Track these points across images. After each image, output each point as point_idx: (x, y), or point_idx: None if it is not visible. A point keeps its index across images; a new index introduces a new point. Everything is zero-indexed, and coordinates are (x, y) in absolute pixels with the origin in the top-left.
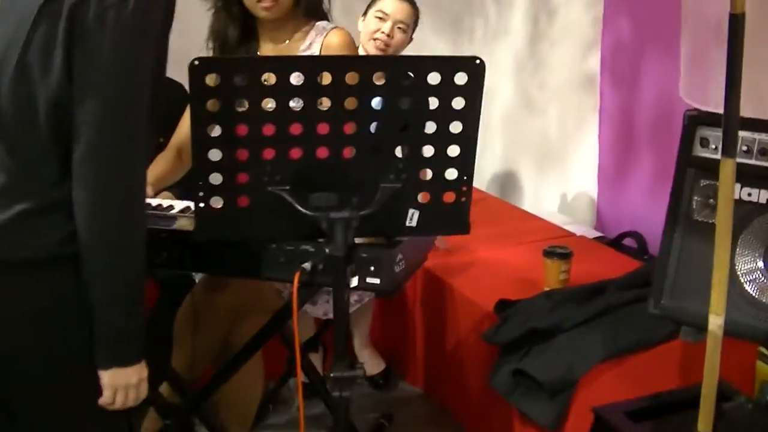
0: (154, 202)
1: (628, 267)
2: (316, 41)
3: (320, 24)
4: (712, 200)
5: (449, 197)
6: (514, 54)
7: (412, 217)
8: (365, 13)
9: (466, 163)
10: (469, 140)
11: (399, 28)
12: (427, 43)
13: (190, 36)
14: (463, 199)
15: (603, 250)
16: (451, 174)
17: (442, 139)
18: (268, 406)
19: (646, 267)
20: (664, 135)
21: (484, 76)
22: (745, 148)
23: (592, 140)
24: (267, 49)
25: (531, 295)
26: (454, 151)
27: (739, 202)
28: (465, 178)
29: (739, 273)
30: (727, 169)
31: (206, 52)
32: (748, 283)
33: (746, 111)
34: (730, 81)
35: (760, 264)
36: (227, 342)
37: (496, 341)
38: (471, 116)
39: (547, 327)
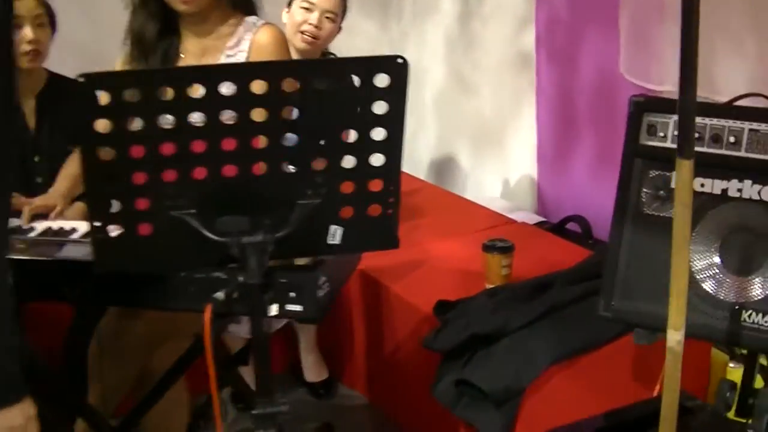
0: (55, 225)
1: (572, 254)
2: (245, 38)
3: (250, 19)
4: (662, 192)
5: (375, 210)
6: (444, 32)
7: (335, 234)
8: (289, 5)
9: (392, 172)
10: (394, 148)
11: (327, 17)
12: (354, 25)
13: (102, 33)
14: (390, 211)
15: (546, 238)
16: (376, 185)
17: (364, 148)
18: (199, 423)
19: (593, 258)
20: (605, 113)
21: (407, 76)
22: (696, 134)
23: (529, 121)
24: (190, 44)
25: (473, 292)
26: (377, 160)
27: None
28: (391, 188)
29: (694, 270)
30: (684, 172)
31: (121, 51)
32: (704, 280)
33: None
34: (685, 73)
35: (716, 259)
36: (145, 370)
37: (435, 348)
38: (395, 121)
39: (489, 331)
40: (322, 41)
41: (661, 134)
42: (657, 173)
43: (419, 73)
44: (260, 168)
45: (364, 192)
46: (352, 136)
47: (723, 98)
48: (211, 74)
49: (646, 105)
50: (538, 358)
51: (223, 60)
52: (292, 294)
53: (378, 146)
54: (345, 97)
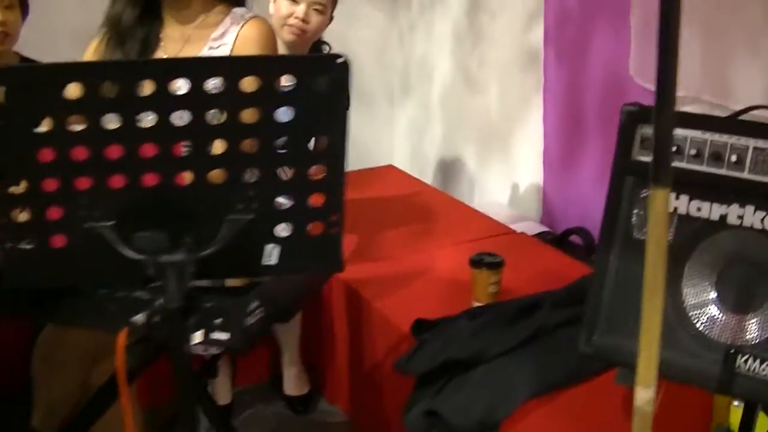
0: None
1: (571, 271)
2: (231, 30)
3: (238, 11)
4: None
5: (316, 229)
6: (452, 25)
7: (271, 254)
8: None
9: (334, 186)
10: (336, 159)
11: (315, 9)
12: (361, 13)
13: (96, 18)
14: (334, 230)
15: (544, 251)
16: (316, 200)
17: (301, 158)
18: None
19: (587, 279)
20: (615, 117)
21: (348, 79)
22: (694, 151)
23: (536, 123)
24: (172, 30)
25: (458, 310)
26: (318, 172)
27: (686, 219)
28: (334, 204)
29: (686, 305)
30: (659, 203)
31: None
32: (697, 317)
33: (704, 94)
34: (662, 86)
35: (713, 294)
36: (86, 385)
37: (407, 371)
38: (336, 129)
39: (465, 357)
40: (310, 34)
41: None
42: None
43: (427, 68)
44: (185, 177)
45: (303, 208)
46: (288, 145)
47: (740, 106)
48: (127, 71)
49: (640, 115)
50: (516, 390)
51: (205, 51)
52: (218, 320)
53: (317, 156)
54: (276, 99)
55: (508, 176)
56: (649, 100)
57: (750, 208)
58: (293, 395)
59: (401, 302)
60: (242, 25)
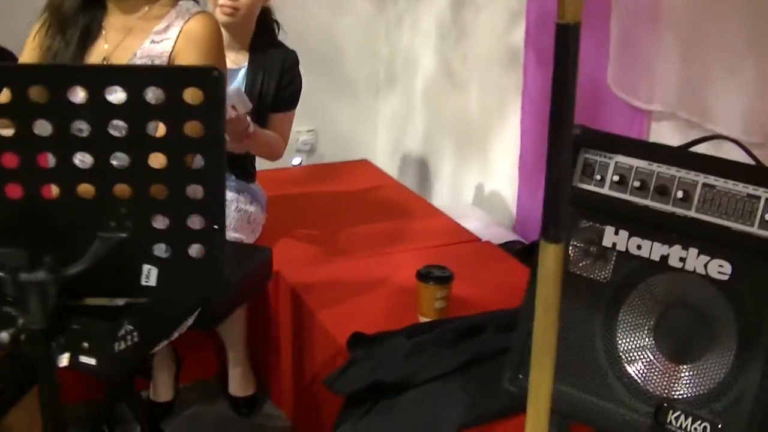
0: None
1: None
2: (176, 24)
3: (184, 4)
4: (594, 248)
5: (197, 251)
6: (437, 19)
7: (150, 275)
8: None
9: (214, 208)
10: (215, 177)
11: None
12: (348, 2)
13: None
14: (216, 254)
15: (507, 263)
16: (195, 222)
17: (176, 176)
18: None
19: None
20: (593, 127)
21: (223, 93)
22: (638, 183)
23: (514, 127)
24: (115, 19)
25: (403, 324)
26: (195, 192)
27: (624, 256)
28: (216, 227)
29: (620, 351)
30: (549, 259)
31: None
32: (631, 361)
33: (681, 110)
34: (556, 128)
35: (649, 341)
36: None
37: (334, 390)
38: (213, 146)
39: (395, 379)
40: (243, 11)
41: (598, 177)
42: (589, 224)
43: (411, 61)
44: (51, 190)
45: (181, 229)
46: (160, 160)
47: (719, 128)
48: None
49: (583, 139)
50: (445, 419)
51: (147, 44)
52: (86, 344)
53: (194, 176)
54: (146, 112)
55: (484, 180)
56: (626, 112)
57: (693, 251)
58: (237, 396)
59: (345, 312)
60: (187, 20)
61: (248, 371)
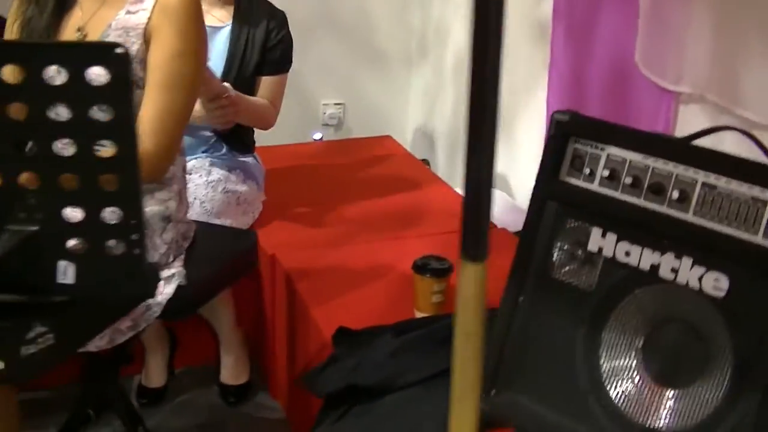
0: None
1: None
2: None
3: None
4: (580, 251)
5: (115, 248)
6: None
7: (66, 272)
8: None
9: (130, 200)
10: (126, 166)
11: None
12: None
13: None
14: (136, 251)
15: None
16: (112, 215)
17: (86, 165)
18: (87, 413)
19: None
20: (618, 108)
21: (129, 72)
22: (630, 179)
23: (540, 107)
24: None
25: (398, 319)
26: (108, 183)
27: (611, 264)
28: (132, 222)
29: (602, 371)
30: (469, 280)
31: None
32: (614, 387)
33: (710, 92)
34: (474, 113)
35: (634, 362)
36: None
37: (312, 390)
38: (123, 131)
39: (374, 382)
40: None
41: (588, 171)
42: (576, 224)
43: (442, 31)
44: None
45: (96, 223)
46: (68, 148)
47: (749, 114)
48: None
49: (573, 127)
50: (422, 426)
51: (123, 15)
52: None
53: (105, 165)
54: (46, 93)
55: (510, 161)
56: (654, 94)
57: (687, 261)
58: (227, 384)
59: (338, 303)
60: None
61: (241, 359)
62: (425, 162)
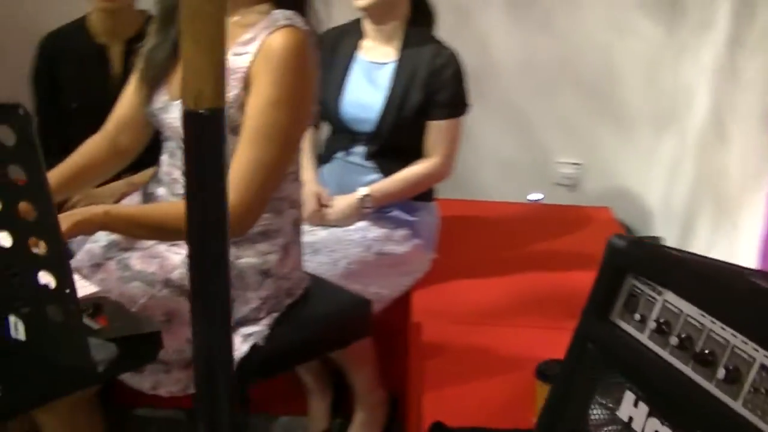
0: None
1: None
2: (259, 38)
3: (276, 14)
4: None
5: (55, 313)
6: (714, 54)
7: (17, 329)
8: None
9: (57, 266)
10: (48, 229)
11: None
12: (630, 22)
13: None
14: (73, 322)
15: None
16: (46, 278)
17: (14, 223)
18: None
19: None
20: None
21: (31, 133)
22: (676, 340)
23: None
24: None
25: (513, 425)
26: (38, 246)
27: None
28: (66, 291)
29: None
30: None
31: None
32: None
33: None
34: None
35: None
36: None
37: None
38: (38, 193)
39: None
40: None
41: (638, 317)
42: (617, 380)
43: (689, 98)
44: None
45: (33, 285)
46: None
47: None
48: None
49: (631, 260)
50: None
51: (230, 56)
52: None
53: (32, 228)
54: None
55: (729, 254)
56: None
57: None
58: None
59: (455, 392)
60: (270, 33)
61: (368, 423)
62: (654, 239)
